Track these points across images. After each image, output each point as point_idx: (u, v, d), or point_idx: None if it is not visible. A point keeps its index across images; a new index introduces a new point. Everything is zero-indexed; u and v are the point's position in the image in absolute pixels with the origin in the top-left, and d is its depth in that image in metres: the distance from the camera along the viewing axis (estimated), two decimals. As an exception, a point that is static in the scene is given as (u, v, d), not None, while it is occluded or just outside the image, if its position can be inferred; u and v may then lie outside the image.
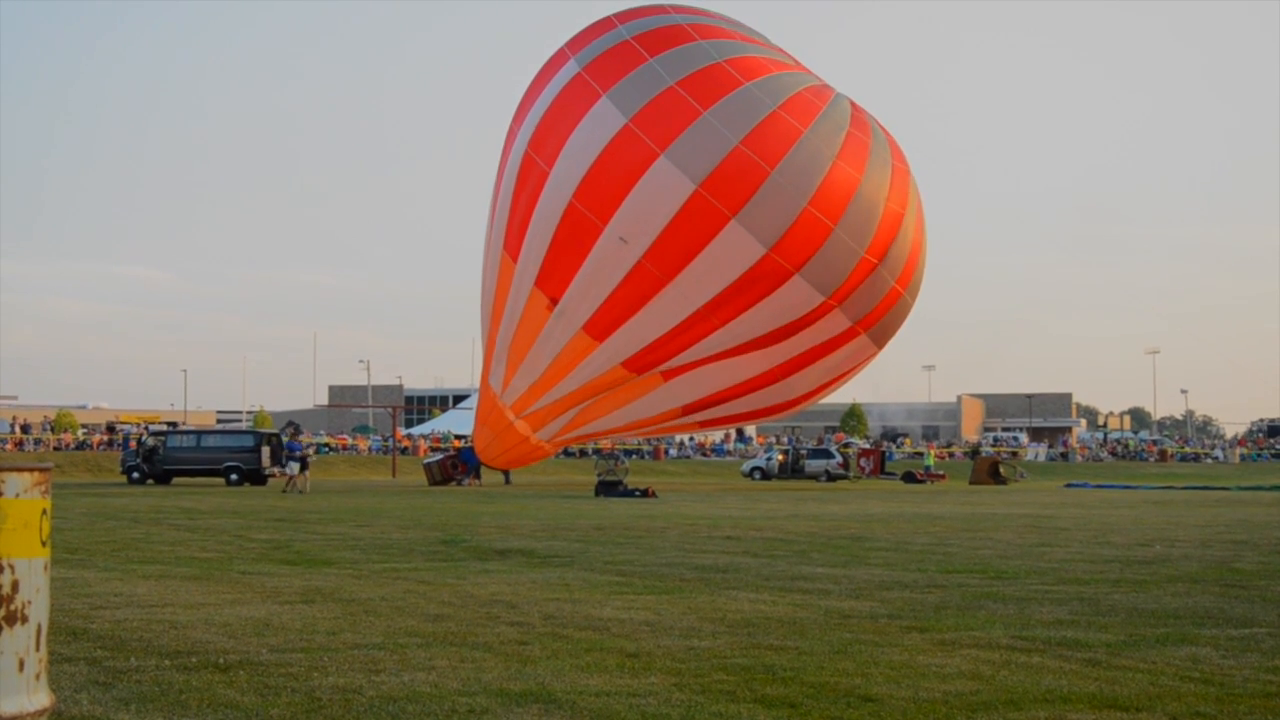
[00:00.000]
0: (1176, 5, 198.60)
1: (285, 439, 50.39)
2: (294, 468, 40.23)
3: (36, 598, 5.50)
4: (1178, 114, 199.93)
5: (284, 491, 38.40)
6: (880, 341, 37.64)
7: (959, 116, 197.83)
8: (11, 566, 5.38)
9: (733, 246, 33.07)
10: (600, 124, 33.98)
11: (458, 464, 47.54)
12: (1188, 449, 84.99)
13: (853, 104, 35.65)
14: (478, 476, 46.90)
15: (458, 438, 64.08)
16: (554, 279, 35.24)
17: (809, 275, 33.52)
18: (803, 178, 33.13)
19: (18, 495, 5.44)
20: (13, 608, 5.38)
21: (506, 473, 48.50)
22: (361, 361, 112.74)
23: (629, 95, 33.82)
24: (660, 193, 33.16)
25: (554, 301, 35.36)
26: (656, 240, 33.36)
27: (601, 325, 35.01)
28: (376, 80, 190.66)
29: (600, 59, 34.99)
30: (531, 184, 35.49)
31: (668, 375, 36.49)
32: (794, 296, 33.84)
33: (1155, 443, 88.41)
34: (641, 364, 35.51)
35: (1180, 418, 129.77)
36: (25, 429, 68.84)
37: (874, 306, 35.61)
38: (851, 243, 33.71)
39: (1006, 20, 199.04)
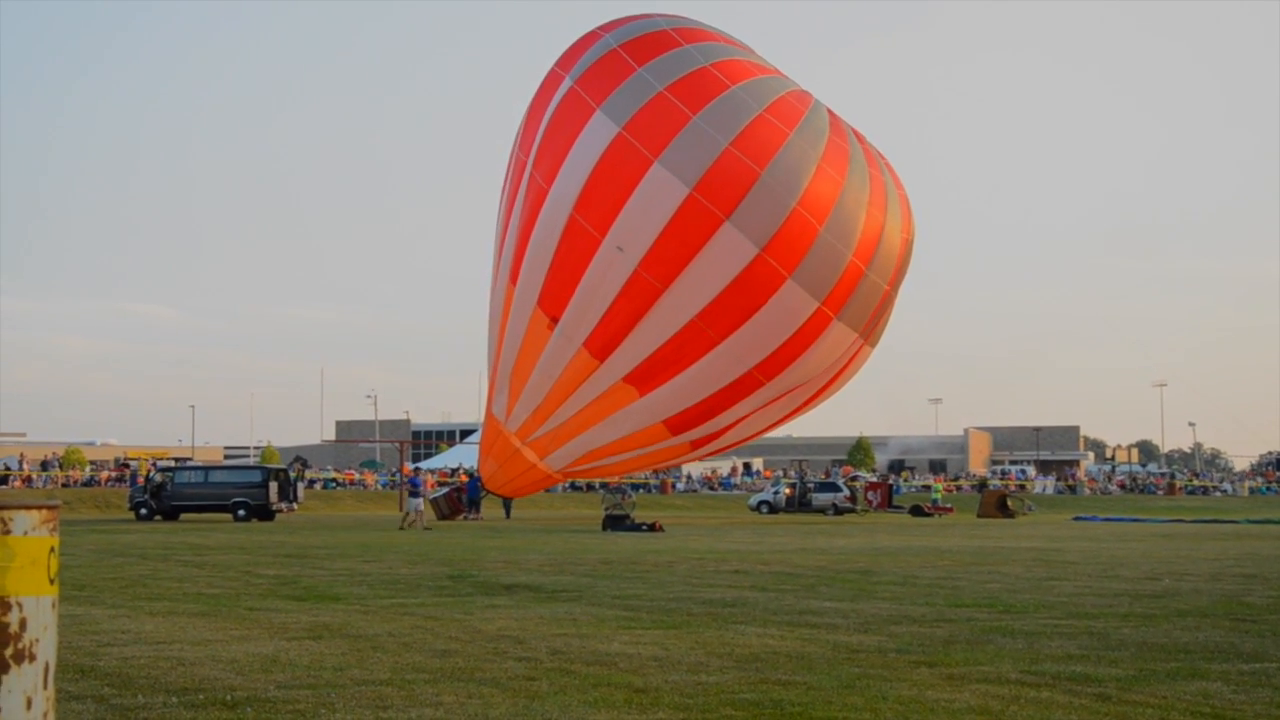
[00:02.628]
0: (1185, 37, 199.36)
1: (293, 475, 50.31)
2: (416, 504, 39.52)
3: (44, 635, 5.50)
4: (1185, 148, 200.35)
5: (401, 528, 37.54)
6: (875, 343, 37.82)
7: (966, 151, 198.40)
8: (19, 604, 5.38)
9: (726, 249, 33.17)
10: (595, 136, 34.23)
11: (463, 495, 47.53)
12: (1197, 482, 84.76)
13: (829, 111, 35.96)
14: (478, 511, 46.87)
15: (466, 473, 64.00)
16: (555, 297, 35.24)
17: (801, 279, 33.59)
18: (790, 179, 33.36)
19: (25, 533, 5.45)
20: (20, 646, 5.37)
21: (508, 506, 48.48)
22: (369, 396, 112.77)
23: (620, 105, 34.13)
24: (656, 199, 33.33)
25: (554, 321, 35.33)
26: (652, 247, 33.45)
27: (601, 341, 34.94)
28: (380, 115, 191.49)
29: (591, 70, 35.29)
30: (533, 204, 35.67)
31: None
32: (789, 303, 33.84)
33: (1164, 475, 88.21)
34: (645, 379, 35.40)
35: (1188, 450, 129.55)
36: (45, 465, 68.86)
37: (870, 313, 35.76)
38: (839, 245, 33.83)
39: (1014, 57, 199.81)
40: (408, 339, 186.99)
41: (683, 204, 33.10)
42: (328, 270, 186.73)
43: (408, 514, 39.30)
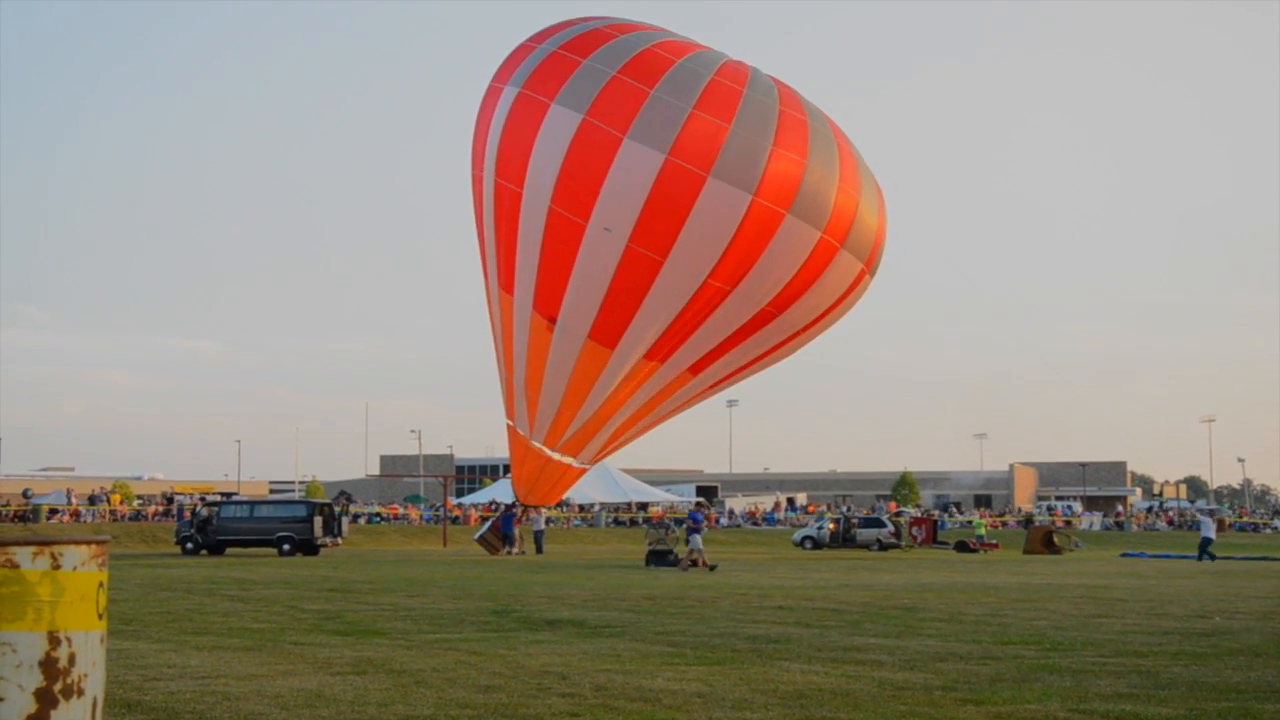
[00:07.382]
0: (1237, 77, 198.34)
1: (337, 510, 50.46)
2: (696, 541, 37.26)
3: (93, 670, 5.53)
4: (1235, 182, 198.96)
5: (684, 570, 35.65)
6: (874, 273, 37.67)
7: (1012, 187, 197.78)
8: (69, 639, 5.42)
9: (719, 202, 33.19)
10: (558, 128, 34.37)
11: (500, 526, 47.65)
12: (1247, 518, 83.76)
13: (769, 76, 36.27)
14: (513, 545, 46.93)
15: (509, 506, 64.07)
16: (549, 296, 35.21)
17: (799, 212, 33.69)
18: (759, 124, 33.62)
19: (75, 568, 5.49)
20: (70, 680, 5.41)
21: (539, 540, 48.94)
22: (413, 431, 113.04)
23: (577, 94, 34.38)
24: (633, 172, 33.43)
25: (552, 321, 35.30)
26: (640, 218, 33.46)
27: (607, 328, 34.82)
28: (421, 150, 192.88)
29: (535, 74, 35.52)
30: (508, 210, 35.74)
31: (695, 369, 36.35)
32: (793, 236, 33.86)
33: (1213, 512, 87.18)
34: (664, 351, 35.33)
35: (1238, 486, 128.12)
36: (93, 499, 69.36)
37: (871, 245, 35.88)
38: (826, 174, 33.96)
39: (1066, 95, 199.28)
40: (452, 374, 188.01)
41: (661, 170, 33.27)
42: (372, 306, 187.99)
43: (690, 552, 37.24)
